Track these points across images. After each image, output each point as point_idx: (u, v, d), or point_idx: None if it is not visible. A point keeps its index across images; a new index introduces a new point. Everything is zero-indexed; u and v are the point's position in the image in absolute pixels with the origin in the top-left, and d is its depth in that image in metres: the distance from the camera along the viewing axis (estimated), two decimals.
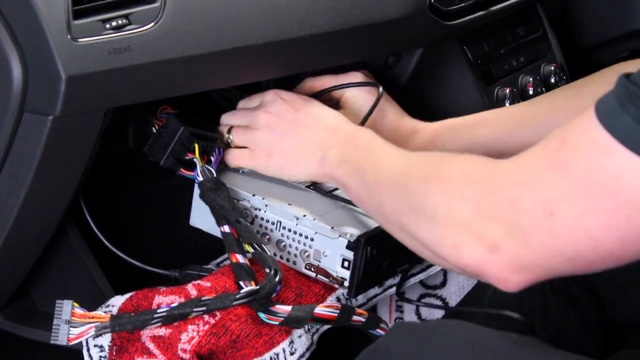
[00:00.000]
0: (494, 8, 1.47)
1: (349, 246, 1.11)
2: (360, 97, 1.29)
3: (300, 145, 1.17)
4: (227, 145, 1.22)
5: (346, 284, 1.12)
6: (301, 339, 1.13)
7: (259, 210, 1.17)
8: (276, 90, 1.23)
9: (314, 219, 1.14)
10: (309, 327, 1.14)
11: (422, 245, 0.95)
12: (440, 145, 1.26)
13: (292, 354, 1.12)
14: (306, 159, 1.16)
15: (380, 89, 1.28)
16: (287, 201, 1.17)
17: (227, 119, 1.25)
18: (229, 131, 1.23)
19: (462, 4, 1.40)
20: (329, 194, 1.21)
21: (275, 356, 1.10)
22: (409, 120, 1.31)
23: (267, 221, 1.17)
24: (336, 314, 1.11)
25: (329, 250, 1.13)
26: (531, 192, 0.83)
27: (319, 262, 1.14)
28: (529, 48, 1.61)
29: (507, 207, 0.85)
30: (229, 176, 1.22)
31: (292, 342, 1.12)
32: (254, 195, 1.18)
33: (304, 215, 1.14)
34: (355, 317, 1.13)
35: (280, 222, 1.16)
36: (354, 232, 1.12)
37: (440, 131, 1.28)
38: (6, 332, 1.22)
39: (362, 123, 1.24)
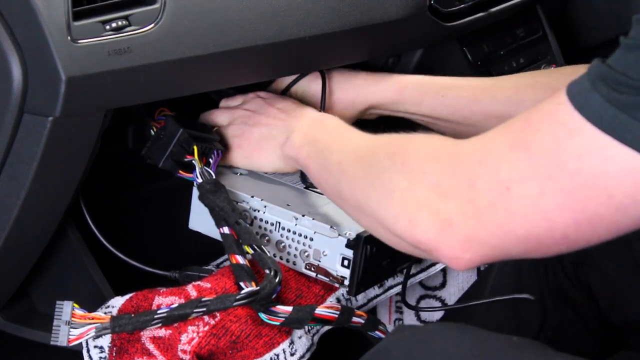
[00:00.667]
0: (493, 9, 1.47)
1: (349, 245, 1.11)
2: (310, 87, 1.30)
3: (267, 132, 1.20)
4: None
5: (346, 282, 1.12)
6: (301, 340, 1.13)
7: (258, 211, 1.17)
8: (256, 92, 1.27)
9: (313, 219, 1.14)
10: (309, 327, 1.14)
11: (378, 223, 0.95)
12: (407, 97, 1.27)
13: (292, 354, 1.12)
14: (272, 145, 1.20)
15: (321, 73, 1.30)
16: (286, 202, 1.17)
17: (206, 117, 1.28)
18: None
19: (462, 5, 1.40)
20: None
21: (276, 357, 1.10)
22: (366, 74, 1.31)
23: (266, 222, 1.17)
24: (336, 315, 1.11)
25: (329, 249, 1.13)
26: (490, 170, 0.83)
27: (319, 261, 1.14)
28: (529, 49, 1.61)
29: (465, 185, 0.85)
30: (228, 178, 1.22)
31: (292, 342, 1.12)
32: (252, 197, 1.18)
33: (303, 216, 1.15)
34: (354, 319, 1.13)
35: (280, 223, 1.16)
36: (353, 230, 1.12)
37: (408, 84, 1.28)
38: (6, 333, 1.22)
39: (322, 106, 1.27)
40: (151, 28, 1.00)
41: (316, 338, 1.16)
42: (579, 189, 0.78)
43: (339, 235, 1.12)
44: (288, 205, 1.17)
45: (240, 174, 1.25)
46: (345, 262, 1.12)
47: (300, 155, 1.13)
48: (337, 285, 1.14)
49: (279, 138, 1.18)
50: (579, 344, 1.21)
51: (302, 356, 1.13)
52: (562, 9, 1.81)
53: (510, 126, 0.84)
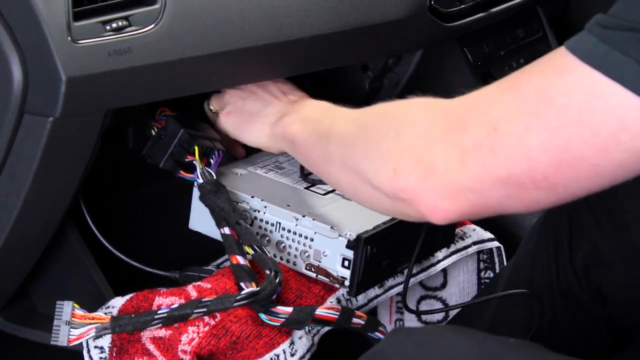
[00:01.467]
0: (494, 10, 1.47)
1: (349, 245, 1.11)
2: None
3: (259, 108, 1.20)
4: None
5: (347, 283, 1.12)
6: (302, 340, 1.13)
7: (258, 211, 1.17)
8: None
9: (313, 219, 1.14)
10: (310, 328, 1.14)
11: (359, 178, 0.94)
12: None
13: (292, 355, 1.12)
14: (261, 121, 1.19)
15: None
16: (286, 202, 1.17)
17: None
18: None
19: (462, 6, 1.40)
20: (328, 194, 1.21)
21: (276, 357, 1.10)
22: None
23: (267, 222, 1.17)
24: (337, 316, 1.11)
25: (329, 250, 1.13)
26: (480, 113, 0.83)
27: (319, 262, 1.14)
28: (529, 49, 1.61)
29: (454, 129, 0.84)
30: (228, 178, 1.22)
31: (292, 343, 1.12)
32: (252, 197, 1.18)
33: (303, 216, 1.15)
34: (354, 320, 1.13)
35: (280, 223, 1.16)
36: (353, 231, 1.12)
37: None
38: (6, 334, 1.22)
39: None
40: (151, 28, 1.00)
41: (316, 338, 1.16)
42: (564, 126, 0.78)
43: (340, 235, 1.12)
44: (288, 205, 1.17)
45: (241, 174, 1.25)
46: (346, 263, 1.12)
47: (288, 131, 1.12)
48: (337, 285, 1.14)
49: (271, 117, 1.17)
50: (587, 345, 1.21)
51: (303, 357, 1.13)
52: (562, 9, 1.81)
53: (507, 76, 0.85)
